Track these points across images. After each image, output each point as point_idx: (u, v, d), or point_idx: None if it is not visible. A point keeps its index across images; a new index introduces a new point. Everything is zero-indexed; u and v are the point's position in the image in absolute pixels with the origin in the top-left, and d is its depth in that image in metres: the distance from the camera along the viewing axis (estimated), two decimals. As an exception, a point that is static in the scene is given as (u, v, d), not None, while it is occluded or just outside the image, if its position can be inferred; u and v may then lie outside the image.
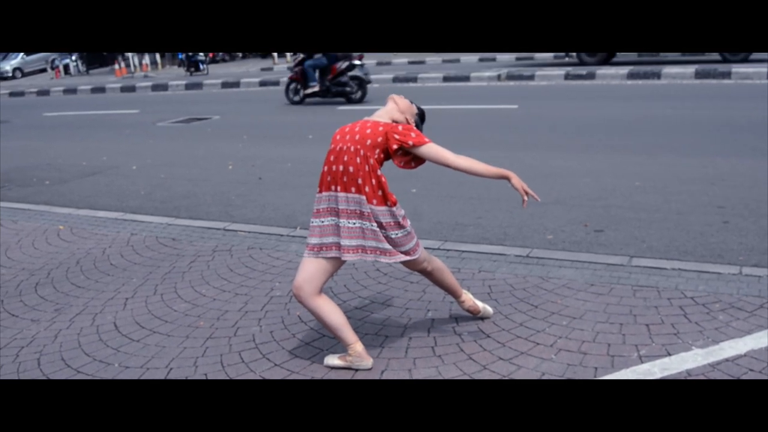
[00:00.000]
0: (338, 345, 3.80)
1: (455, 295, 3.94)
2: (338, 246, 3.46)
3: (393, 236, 3.47)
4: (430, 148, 3.47)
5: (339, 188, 3.43)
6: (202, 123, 13.67)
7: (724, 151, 7.81)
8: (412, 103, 3.72)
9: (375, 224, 3.43)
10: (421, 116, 3.80)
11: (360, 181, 3.40)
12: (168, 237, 6.03)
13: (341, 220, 3.44)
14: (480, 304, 4.01)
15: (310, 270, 3.50)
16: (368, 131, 3.47)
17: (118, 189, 8.30)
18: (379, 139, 3.44)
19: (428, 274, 3.79)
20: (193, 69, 26.46)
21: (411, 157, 3.56)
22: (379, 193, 3.42)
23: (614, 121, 10.29)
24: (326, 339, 3.95)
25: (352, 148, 3.43)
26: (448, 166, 3.49)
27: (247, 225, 6.23)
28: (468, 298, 3.97)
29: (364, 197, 3.40)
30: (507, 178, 3.46)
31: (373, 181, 3.41)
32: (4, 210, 7.41)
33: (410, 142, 3.44)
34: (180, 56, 29.03)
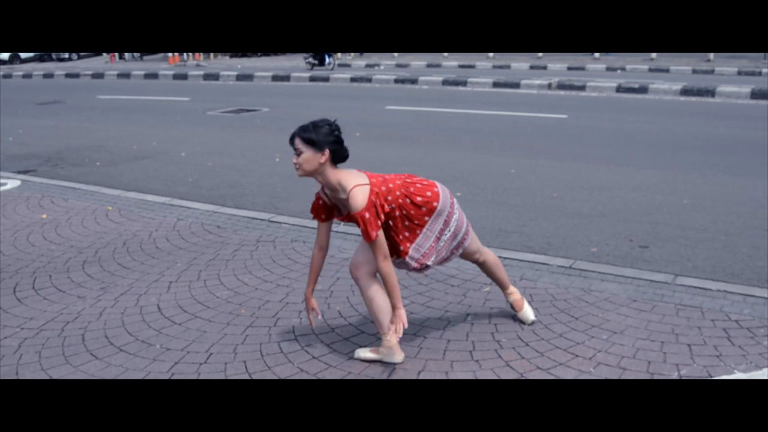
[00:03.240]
0: (376, 343, 3.82)
1: (503, 287, 4.04)
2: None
3: (447, 236, 3.64)
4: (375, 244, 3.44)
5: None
6: (251, 114, 13.82)
7: (777, 175, 7.67)
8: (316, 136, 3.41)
9: (433, 255, 3.64)
10: (332, 133, 3.42)
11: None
12: (213, 224, 6.11)
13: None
14: (525, 305, 4.06)
15: (369, 252, 3.60)
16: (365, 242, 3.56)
17: (166, 174, 8.44)
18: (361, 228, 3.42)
19: (480, 265, 3.95)
20: (317, 62, 23.12)
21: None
22: (415, 221, 3.53)
23: (665, 137, 10.15)
24: (365, 335, 3.98)
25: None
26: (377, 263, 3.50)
27: (291, 218, 6.29)
28: (515, 291, 4.05)
29: (403, 256, 3.60)
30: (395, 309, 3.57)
31: (402, 235, 3.54)
32: (56, 188, 7.59)
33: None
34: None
